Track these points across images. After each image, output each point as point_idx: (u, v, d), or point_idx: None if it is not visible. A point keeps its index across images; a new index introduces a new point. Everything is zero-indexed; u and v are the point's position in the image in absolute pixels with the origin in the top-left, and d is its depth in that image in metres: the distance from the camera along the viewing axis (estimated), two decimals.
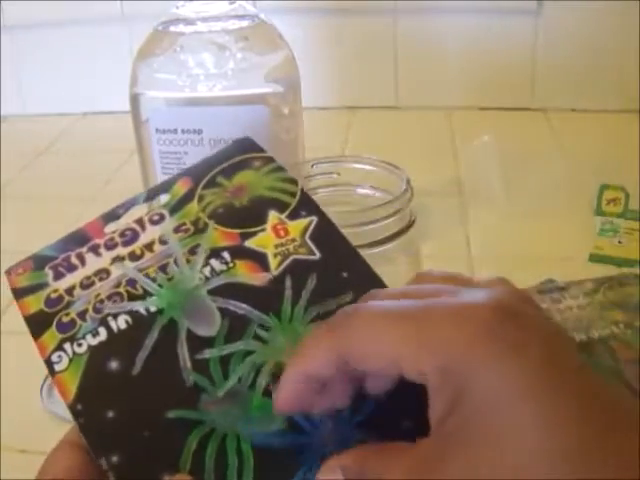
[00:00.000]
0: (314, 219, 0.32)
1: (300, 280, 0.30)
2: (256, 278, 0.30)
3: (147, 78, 0.54)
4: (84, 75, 0.97)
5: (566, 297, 0.52)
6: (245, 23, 0.54)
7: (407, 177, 0.42)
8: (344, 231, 0.39)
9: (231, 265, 0.31)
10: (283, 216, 0.32)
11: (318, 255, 0.31)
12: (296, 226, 0.32)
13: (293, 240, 0.32)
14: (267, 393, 0.28)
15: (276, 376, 0.28)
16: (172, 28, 0.54)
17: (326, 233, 0.32)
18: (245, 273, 0.31)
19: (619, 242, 0.59)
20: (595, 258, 0.60)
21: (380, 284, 0.31)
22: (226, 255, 0.31)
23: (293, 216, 0.32)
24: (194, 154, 0.53)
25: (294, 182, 0.34)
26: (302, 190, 0.33)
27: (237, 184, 0.34)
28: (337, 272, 0.31)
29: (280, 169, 0.35)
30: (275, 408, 0.27)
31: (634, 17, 0.85)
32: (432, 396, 0.24)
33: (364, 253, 0.40)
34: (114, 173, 0.82)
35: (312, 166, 0.45)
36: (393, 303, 0.25)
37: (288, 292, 0.30)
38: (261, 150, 0.36)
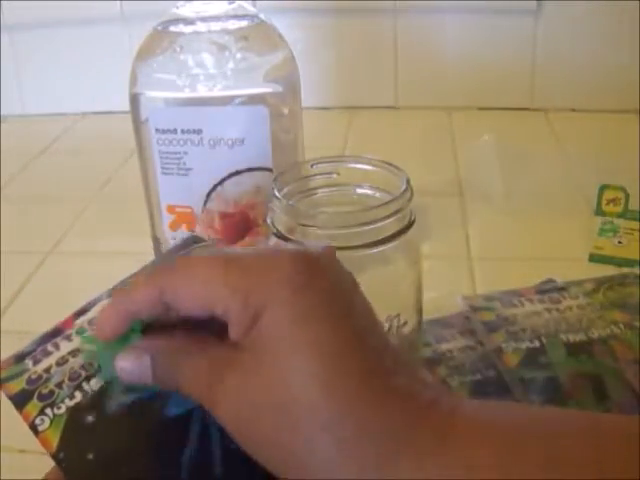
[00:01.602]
0: None
1: None
2: None
3: (147, 78, 0.53)
4: (84, 75, 0.97)
5: (566, 297, 0.52)
6: (245, 23, 0.54)
7: (407, 177, 0.42)
8: (344, 231, 0.39)
9: None
10: None
11: None
12: None
13: None
14: None
15: None
16: (172, 28, 0.54)
17: None
18: None
19: (619, 242, 0.59)
20: (595, 258, 0.60)
21: None
22: None
23: None
24: (194, 154, 0.53)
25: None
26: None
27: None
28: None
29: None
30: (96, 334, 0.31)
31: (634, 17, 0.85)
32: (233, 320, 0.28)
33: (364, 253, 0.40)
34: (114, 173, 0.82)
35: (312, 166, 0.45)
36: (210, 251, 0.30)
37: None
38: (203, 241, 0.40)
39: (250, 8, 0.55)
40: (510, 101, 0.94)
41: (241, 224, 0.55)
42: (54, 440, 0.31)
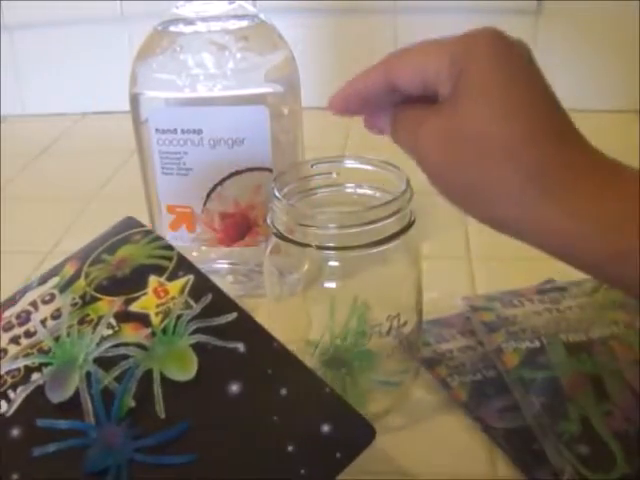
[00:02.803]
0: (191, 277, 0.36)
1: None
2: (138, 335, 0.33)
3: (147, 78, 0.53)
4: (84, 75, 0.97)
5: (566, 297, 0.52)
6: (245, 23, 0.54)
7: (407, 177, 0.42)
8: (344, 231, 0.39)
9: (117, 329, 0.34)
10: (162, 279, 0.36)
11: (197, 308, 0.34)
12: (175, 286, 0.35)
13: (173, 298, 0.35)
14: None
15: (143, 381, 0.31)
16: (172, 28, 0.54)
17: (203, 287, 0.35)
18: (129, 333, 0.33)
19: None
20: None
21: (254, 322, 0.35)
22: (111, 320, 0.34)
23: (172, 277, 0.36)
24: (194, 154, 0.53)
25: (170, 248, 0.37)
26: (178, 254, 0.37)
27: (119, 257, 0.37)
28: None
29: (158, 238, 0.38)
30: (329, 107, 0.39)
31: (634, 17, 0.85)
32: (443, 79, 0.33)
33: (364, 253, 0.40)
34: (114, 173, 0.82)
35: (312, 166, 0.45)
36: (422, 40, 0.35)
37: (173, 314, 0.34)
38: (141, 225, 0.39)
39: (250, 8, 0.55)
40: None
41: (241, 224, 0.55)
42: None
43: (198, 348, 0.33)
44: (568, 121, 0.34)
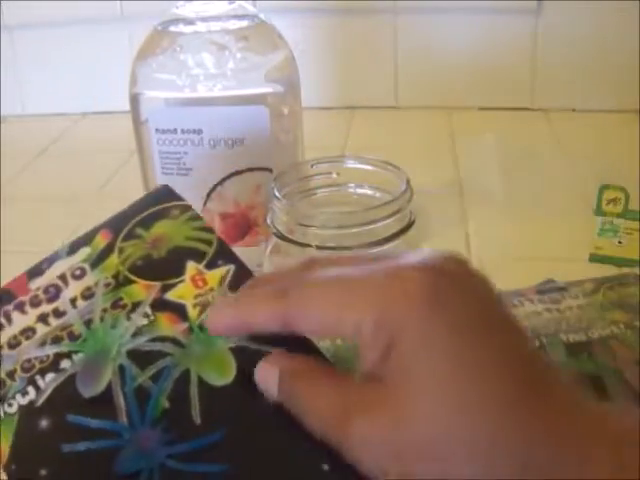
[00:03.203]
0: (231, 267, 0.34)
1: None
2: (175, 329, 0.31)
3: (147, 78, 0.54)
4: (84, 75, 0.97)
5: (566, 297, 0.52)
6: (245, 23, 0.54)
7: (407, 177, 0.42)
8: (344, 231, 0.39)
9: (152, 318, 0.32)
10: (201, 266, 0.34)
11: None
12: (214, 276, 0.33)
13: (211, 290, 0.33)
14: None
15: (179, 382, 0.30)
16: (172, 28, 0.54)
17: (243, 280, 0.33)
18: (166, 326, 0.32)
19: (619, 242, 0.59)
20: (595, 258, 0.60)
21: None
22: (147, 309, 0.32)
23: (211, 266, 0.34)
24: (194, 154, 0.53)
25: (210, 231, 0.35)
26: (218, 238, 0.35)
27: (155, 235, 0.35)
28: None
29: (197, 217, 0.36)
30: (208, 323, 0.31)
31: (634, 17, 0.85)
32: (365, 346, 0.26)
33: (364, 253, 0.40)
34: (114, 173, 0.82)
35: (312, 166, 0.45)
36: (337, 270, 0.28)
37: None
38: (179, 198, 0.37)
39: (250, 8, 0.55)
40: (510, 101, 0.94)
41: (241, 224, 0.55)
42: (5, 446, 0.28)
43: (237, 351, 0.31)
44: (547, 383, 0.25)
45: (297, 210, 0.41)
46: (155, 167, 0.55)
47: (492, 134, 0.78)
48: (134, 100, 0.54)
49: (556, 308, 0.50)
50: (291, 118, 0.56)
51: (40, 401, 0.29)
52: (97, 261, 0.34)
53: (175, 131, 0.53)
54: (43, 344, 0.31)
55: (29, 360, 0.30)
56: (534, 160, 0.79)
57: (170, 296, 0.32)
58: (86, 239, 0.36)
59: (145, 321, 0.32)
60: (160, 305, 0.32)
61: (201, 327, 0.31)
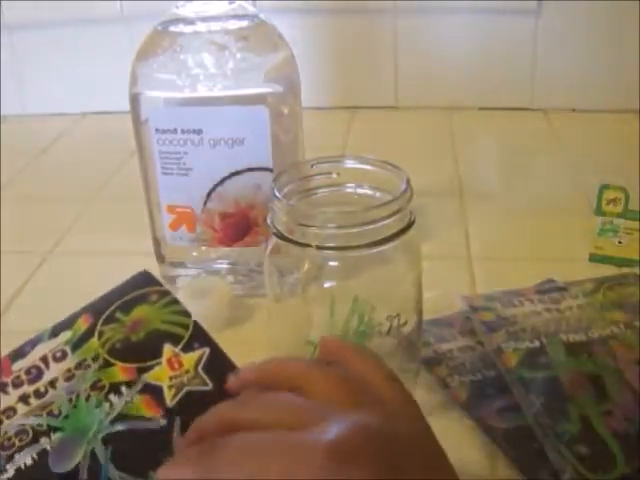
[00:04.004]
0: (206, 350, 0.35)
1: (191, 412, 0.32)
2: (152, 414, 0.33)
3: (147, 78, 0.54)
4: (84, 75, 0.97)
5: (566, 297, 0.52)
6: (245, 23, 0.54)
7: (407, 177, 0.42)
8: (344, 231, 0.39)
9: (128, 400, 0.33)
10: (177, 349, 0.35)
11: (211, 385, 0.34)
12: (189, 358, 0.35)
13: (187, 372, 0.34)
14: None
15: None
16: (172, 28, 0.54)
17: (218, 363, 0.35)
18: (141, 409, 0.33)
19: (619, 242, 0.59)
20: (595, 258, 0.60)
21: None
22: (124, 390, 0.34)
23: (186, 349, 0.35)
24: (194, 154, 0.53)
25: (187, 315, 0.36)
26: (194, 322, 0.36)
27: (134, 318, 0.37)
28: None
29: (174, 302, 0.37)
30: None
31: (633, 17, 0.85)
32: None
33: (364, 253, 0.40)
34: (114, 173, 0.82)
35: (312, 166, 0.45)
36: (250, 438, 0.28)
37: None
38: (157, 283, 0.38)
39: (250, 8, 0.55)
40: (510, 101, 0.94)
41: (241, 224, 0.55)
42: None
43: None
44: None
45: (297, 210, 0.41)
46: (155, 167, 0.55)
47: (492, 134, 0.78)
48: (134, 100, 0.54)
49: (556, 308, 0.50)
50: (291, 118, 0.56)
51: (11, 473, 0.31)
52: (78, 344, 0.36)
53: (175, 131, 0.53)
54: (23, 423, 0.33)
55: (9, 439, 0.32)
56: (534, 160, 0.79)
57: (147, 379, 0.34)
58: (68, 322, 0.37)
59: (122, 402, 0.33)
60: (137, 387, 0.34)
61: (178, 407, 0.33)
